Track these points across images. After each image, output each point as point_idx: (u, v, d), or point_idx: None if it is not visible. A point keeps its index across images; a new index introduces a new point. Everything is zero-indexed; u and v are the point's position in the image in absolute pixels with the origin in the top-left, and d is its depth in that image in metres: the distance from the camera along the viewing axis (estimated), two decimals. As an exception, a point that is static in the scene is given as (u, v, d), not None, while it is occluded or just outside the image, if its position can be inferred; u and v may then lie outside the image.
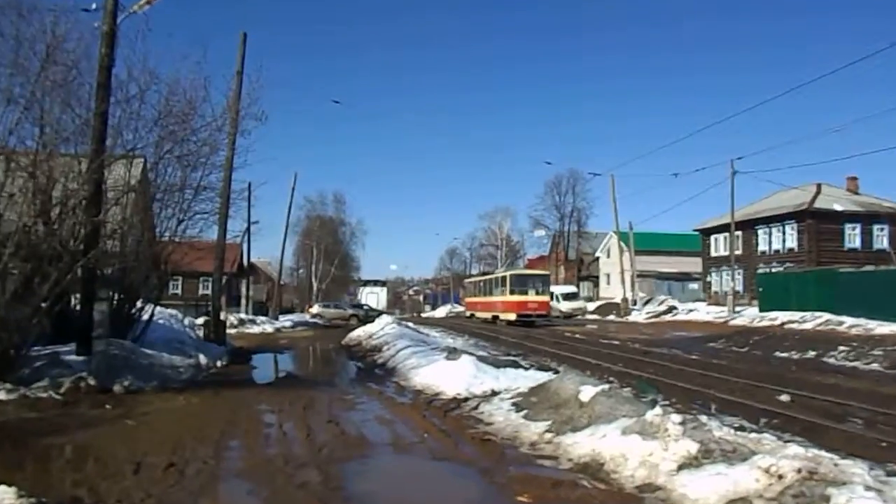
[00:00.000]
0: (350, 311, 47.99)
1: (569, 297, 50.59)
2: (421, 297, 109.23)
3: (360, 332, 24.39)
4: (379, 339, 20.73)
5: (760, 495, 6.90)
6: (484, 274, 54.62)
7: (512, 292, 37.80)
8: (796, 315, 28.47)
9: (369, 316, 43.80)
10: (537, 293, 37.42)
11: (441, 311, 73.87)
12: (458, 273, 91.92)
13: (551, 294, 42.26)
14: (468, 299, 49.34)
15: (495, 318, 39.67)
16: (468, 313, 47.47)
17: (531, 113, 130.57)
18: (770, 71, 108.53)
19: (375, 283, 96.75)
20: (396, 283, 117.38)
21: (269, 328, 35.16)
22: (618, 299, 50.38)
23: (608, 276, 67.71)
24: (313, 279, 70.96)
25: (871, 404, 11.76)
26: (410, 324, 31.69)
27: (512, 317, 37.23)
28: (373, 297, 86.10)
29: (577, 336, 26.95)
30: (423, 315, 72.48)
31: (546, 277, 39.93)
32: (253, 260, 53.83)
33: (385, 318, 29.63)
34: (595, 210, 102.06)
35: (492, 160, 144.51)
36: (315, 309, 49.58)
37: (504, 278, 39.53)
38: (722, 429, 8.19)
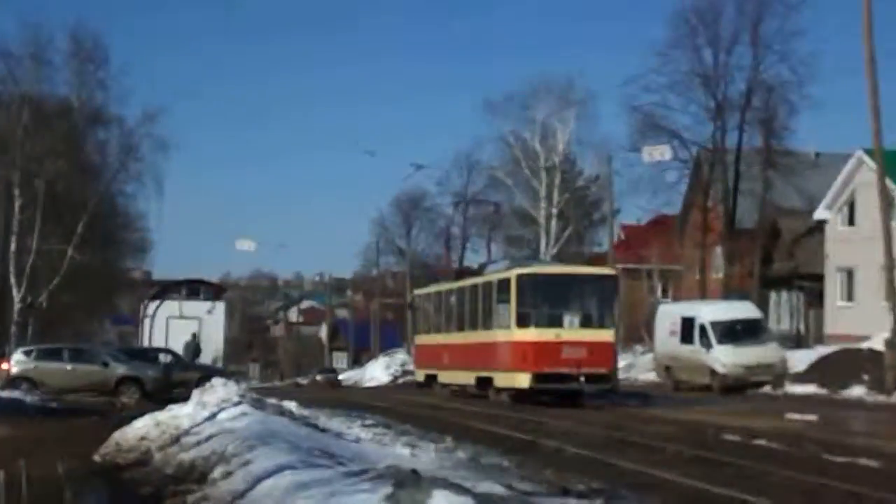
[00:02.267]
0: (123, 371, 30.30)
1: (736, 332, 33.02)
2: (324, 333, 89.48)
3: (146, 429, 16.81)
4: (200, 447, 14.23)
5: None
6: (461, 275, 35.20)
7: (522, 321, 26.13)
8: None
9: (173, 381, 30.22)
10: (586, 323, 26.14)
11: (377, 368, 54.67)
12: (425, 266, 72.07)
13: (690, 325, 32.49)
14: (420, 341, 35.82)
15: (483, 384, 28.10)
16: (420, 375, 35.11)
17: None
18: None
19: (194, 290, 57.32)
20: (255, 289, 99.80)
21: None
22: (877, 341, 29.55)
23: (848, 273, 39.61)
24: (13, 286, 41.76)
25: None
26: (293, 405, 20.35)
27: (523, 381, 25.81)
28: (186, 328, 46.80)
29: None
30: (340, 379, 55.61)
31: (609, 283, 27.54)
32: None
33: (222, 388, 19.14)
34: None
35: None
36: (16, 365, 30.42)
37: (503, 284, 27.19)
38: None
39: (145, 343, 49.84)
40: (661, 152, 41.49)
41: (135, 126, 46.62)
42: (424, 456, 14.72)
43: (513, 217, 64.53)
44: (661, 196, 48.41)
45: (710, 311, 33.87)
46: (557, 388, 25.98)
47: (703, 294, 44.65)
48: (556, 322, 26.35)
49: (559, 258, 57.83)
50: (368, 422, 20.60)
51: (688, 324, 33.68)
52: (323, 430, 17.38)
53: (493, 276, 29.20)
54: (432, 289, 36.38)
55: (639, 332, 48.52)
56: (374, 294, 79.01)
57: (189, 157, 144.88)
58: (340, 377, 58.06)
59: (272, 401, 20.89)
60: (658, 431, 18.28)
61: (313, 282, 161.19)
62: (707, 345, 32.44)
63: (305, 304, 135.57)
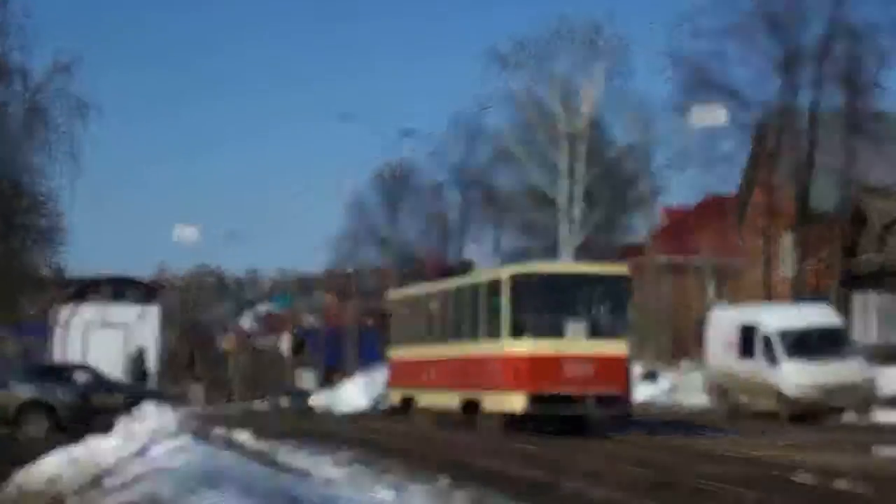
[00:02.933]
0: (27, 394, 31.17)
1: (810, 344, 33.66)
2: (284, 343, 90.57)
3: (57, 468, 17.32)
4: (127, 491, 13.92)
5: None
6: (446, 275, 36.26)
7: (517, 330, 27.80)
8: None
9: (93, 406, 30.59)
10: (594, 333, 27.58)
11: (354, 389, 55.18)
12: (415, 261, 73.72)
13: (751, 335, 33.71)
14: (395, 355, 37.38)
15: (470, 408, 29.89)
16: (395, 396, 36.98)
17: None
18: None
19: (120, 291, 58.04)
20: (199, 290, 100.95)
21: None
22: None
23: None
24: None
25: None
26: (246, 436, 22.79)
27: (516, 404, 27.43)
28: (110, 339, 51.32)
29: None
30: (311, 405, 57.05)
31: (622, 284, 28.92)
32: None
33: (155, 415, 20.52)
34: None
35: None
36: None
37: (494, 286, 28.91)
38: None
39: (57, 358, 49.87)
40: (714, 116, 41.81)
41: (43, 81, 46.75)
42: (414, 501, 15.08)
43: (526, 198, 65.03)
44: (714, 172, 48.25)
45: (776, 318, 34.17)
46: (558, 414, 27.15)
47: (768, 296, 44.84)
48: (557, 332, 27.42)
49: (584, 251, 58.21)
50: (342, 457, 21.11)
51: (748, 334, 34.06)
52: (284, 469, 17.86)
53: (481, 276, 30.59)
54: (410, 292, 37.87)
55: (685, 344, 48.85)
56: (349, 295, 79.29)
57: (115, 125, 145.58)
58: (312, 401, 58.58)
59: (220, 431, 21.28)
60: (708, 471, 18.61)
61: (272, 280, 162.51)
62: (773, 360, 32.78)
63: (262, 308, 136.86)
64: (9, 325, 59.76)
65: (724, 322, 36.49)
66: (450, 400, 31.56)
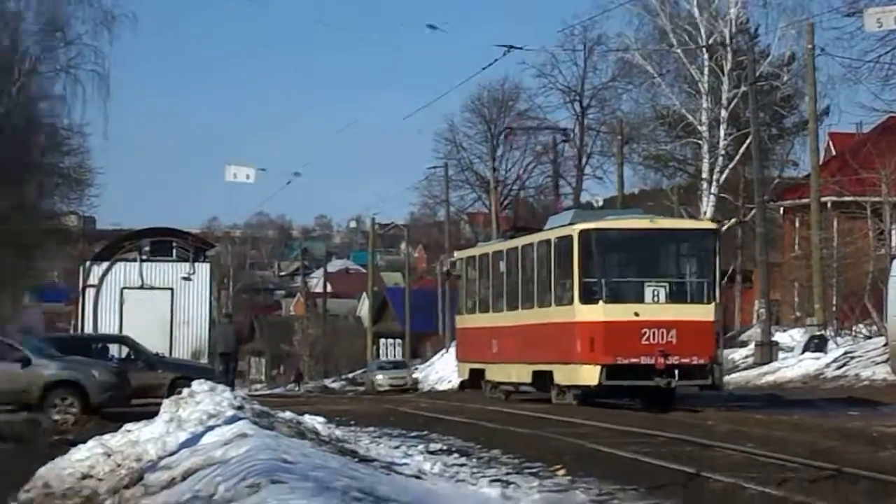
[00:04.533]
0: (53, 373, 31.26)
1: None
2: (364, 309, 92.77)
3: (91, 462, 17.83)
4: (175, 488, 15.12)
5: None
6: (520, 231, 40.34)
7: (588, 295, 30.83)
8: None
9: (132, 387, 31.87)
10: (676, 297, 31.00)
11: (451, 362, 56.93)
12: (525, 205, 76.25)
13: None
14: (462, 323, 41.76)
15: (541, 381, 33.42)
16: (463, 370, 41.55)
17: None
18: None
19: (162, 246, 57.08)
20: (257, 243, 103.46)
21: None
22: None
23: None
24: None
25: None
26: (319, 421, 22.87)
27: (590, 376, 30.56)
28: (152, 304, 52.21)
29: None
30: (395, 382, 61.99)
31: (708, 240, 32.30)
32: None
33: (208, 396, 21.69)
34: None
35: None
36: None
37: (563, 244, 31.77)
38: None
39: (87, 328, 50.99)
40: (895, 17, 41.32)
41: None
42: (524, 498, 15.34)
43: (659, 124, 64.93)
44: (894, 88, 48.37)
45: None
46: (636, 385, 30.43)
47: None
48: (634, 296, 30.61)
49: (730, 188, 57.78)
50: (436, 445, 21.80)
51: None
52: (366, 461, 18.26)
53: (550, 232, 33.51)
54: (477, 250, 41.70)
55: (860, 303, 48.58)
56: (441, 249, 79.71)
57: (152, 47, 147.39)
58: (416, 375, 62.15)
59: (286, 415, 21.72)
60: (890, 458, 18.69)
61: (346, 231, 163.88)
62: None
63: (335, 265, 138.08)
64: (28, 288, 60.68)
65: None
66: (520, 372, 34.88)
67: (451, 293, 76.96)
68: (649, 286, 30.82)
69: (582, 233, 30.71)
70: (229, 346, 44.94)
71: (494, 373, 37.60)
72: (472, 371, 39.75)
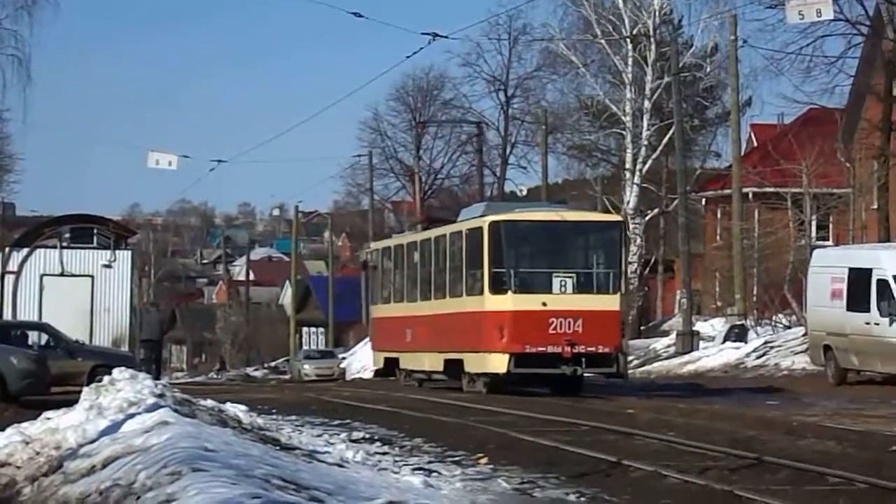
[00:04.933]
0: None
1: None
2: (287, 297, 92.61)
3: (9, 450, 17.70)
4: (95, 476, 15.02)
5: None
6: (433, 222, 41.85)
7: (497, 285, 31.99)
8: None
9: (52, 374, 31.19)
10: (583, 287, 32.17)
11: (368, 351, 56.55)
12: (448, 193, 78.38)
13: (864, 281, 33.84)
14: (377, 313, 42.96)
15: (453, 369, 34.63)
16: (378, 359, 42.75)
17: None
18: None
19: (83, 233, 55.68)
20: (179, 231, 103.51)
21: None
22: None
23: None
24: None
25: None
26: (241, 409, 22.57)
27: (499, 364, 31.64)
28: (72, 291, 51.13)
29: None
30: (323, 371, 62.57)
31: (614, 232, 33.59)
32: None
33: (129, 384, 21.00)
34: None
35: None
36: None
37: (474, 235, 32.93)
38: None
39: (6, 315, 50.20)
40: (817, 9, 41.55)
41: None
42: (446, 487, 15.43)
43: (583, 115, 65.04)
44: (815, 80, 48.74)
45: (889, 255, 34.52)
46: (543, 374, 31.44)
47: (885, 235, 45.40)
48: (542, 286, 31.69)
49: (653, 178, 58.03)
50: (358, 434, 21.90)
51: (860, 280, 34.43)
52: (288, 449, 18.26)
53: (462, 224, 34.44)
54: (392, 241, 43.02)
55: (780, 293, 49.02)
56: (365, 237, 79.58)
57: (76, 30, 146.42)
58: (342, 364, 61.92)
59: (208, 403, 21.70)
60: (809, 446, 18.97)
61: (269, 219, 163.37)
62: (892, 312, 32.97)
63: (258, 253, 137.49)
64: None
65: (828, 266, 36.76)
66: (432, 361, 36.09)
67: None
68: (557, 277, 31.90)
69: (492, 224, 31.70)
70: (154, 334, 44.89)
71: (408, 361, 38.72)
72: (386, 360, 40.86)
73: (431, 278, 36.88)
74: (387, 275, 41.99)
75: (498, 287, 31.74)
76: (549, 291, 31.74)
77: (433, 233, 37.47)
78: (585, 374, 32.08)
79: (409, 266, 39.05)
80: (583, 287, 32.00)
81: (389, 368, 40.79)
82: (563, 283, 31.93)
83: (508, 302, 31.64)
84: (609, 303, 32.05)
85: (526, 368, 31.32)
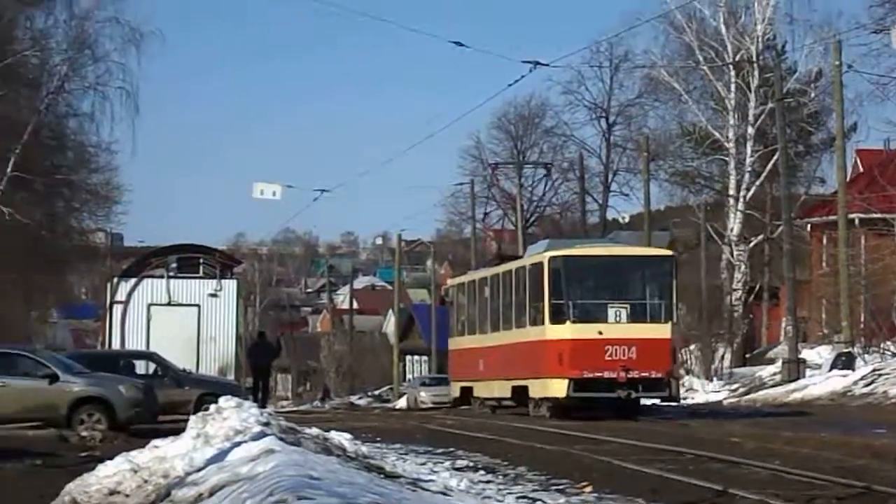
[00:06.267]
0: (80, 389, 30.96)
1: None
2: (390, 326, 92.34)
3: (118, 478, 17.57)
4: None
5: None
6: (503, 259, 43.99)
7: (556, 315, 34.07)
8: None
9: (159, 403, 32.03)
10: (636, 317, 34.27)
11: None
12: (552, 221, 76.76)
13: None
14: (454, 345, 45.08)
15: (520, 395, 36.97)
16: (455, 388, 45.18)
17: None
18: None
19: (189, 263, 56.33)
20: (283, 260, 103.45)
21: None
22: None
23: None
24: None
25: None
26: (345, 437, 22.25)
27: (558, 389, 33.91)
28: (180, 320, 51.86)
29: None
30: (439, 399, 60.35)
31: (665, 266, 35.72)
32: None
33: (235, 413, 20.69)
34: None
35: None
36: None
37: (535, 270, 35.31)
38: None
39: (115, 345, 50.77)
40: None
41: (91, 5, 47.11)
42: None
43: (685, 141, 64.50)
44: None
45: None
46: (600, 398, 33.66)
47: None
48: (598, 316, 34.01)
49: (755, 203, 57.41)
50: (462, 462, 21.97)
51: None
52: (392, 477, 18.02)
53: (526, 260, 37.72)
54: (466, 278, 45.96)
55: (888, 320, 48.34)
56: (466, 265, 79.26)
57: (181, 61, 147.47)
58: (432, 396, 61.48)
59: (313, 431, 21.49)
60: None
61: (372, 248, 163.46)
62: None
63: (361, 281, 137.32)
64: (55, 305, 60.30)
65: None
66: (502, 388, 38.84)
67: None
68: (612, 307, 34.30)
69: (551, 259, 34.36)
70: (263, 361, 45.35)
71: (481, 389, 41.79)
72: (462, 388, 43.82)
73: (500, 311, 39.32)
74: (462, 309, 44.83)
75: (557, 317, 34.12)
76: (605, 321, 34.05)
77: (502, 268, 40.15)
78: (675, 403, 35.35)
79: (481, 300, 41.82)
80: (636, 317, 34.34)
81: (465, 397, 43.71)
82: (617, 313, 34.24)
83: (567, 331, 34.05)
84: (661, 331, 34.40)
85: (584, 392, 33.66)
